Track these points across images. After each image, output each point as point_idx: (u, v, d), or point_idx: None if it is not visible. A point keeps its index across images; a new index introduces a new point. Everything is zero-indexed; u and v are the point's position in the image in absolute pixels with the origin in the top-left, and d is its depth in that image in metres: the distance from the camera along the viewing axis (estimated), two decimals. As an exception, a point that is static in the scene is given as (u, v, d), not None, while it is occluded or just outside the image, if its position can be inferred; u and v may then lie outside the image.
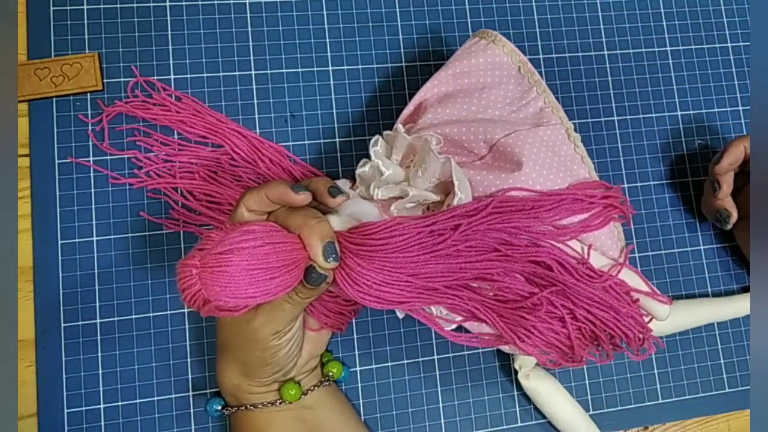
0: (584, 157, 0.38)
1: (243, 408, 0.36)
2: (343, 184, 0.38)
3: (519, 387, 0.43)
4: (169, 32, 0.44)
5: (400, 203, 0.36)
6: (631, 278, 0.36)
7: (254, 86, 0.45)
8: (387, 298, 0.33)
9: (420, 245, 0.33)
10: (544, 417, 0.43)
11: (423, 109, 0.40)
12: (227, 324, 0.35)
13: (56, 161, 0.42)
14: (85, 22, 0.44)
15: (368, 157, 0.38)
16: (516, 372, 0.41)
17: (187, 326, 0.41)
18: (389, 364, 0.43)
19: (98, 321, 0.40)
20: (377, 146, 0.38)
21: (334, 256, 0.32)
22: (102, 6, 0.44)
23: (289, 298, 0.33)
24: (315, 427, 0.37)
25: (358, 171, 0.38)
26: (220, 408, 0.37)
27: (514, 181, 0.36)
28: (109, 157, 0.42)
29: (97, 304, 0.41)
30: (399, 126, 0.39)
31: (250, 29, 0.45)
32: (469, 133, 0.37)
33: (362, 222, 0.34)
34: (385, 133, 0.39)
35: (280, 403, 0.36)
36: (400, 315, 0.39)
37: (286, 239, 0.32)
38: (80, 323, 0.40)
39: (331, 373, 0.40)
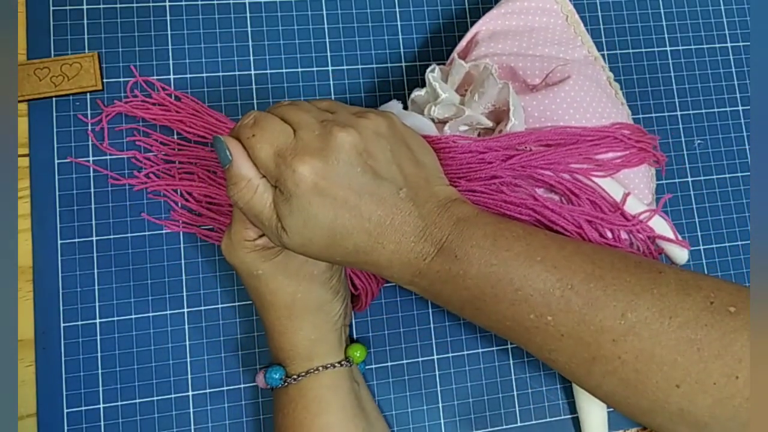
0: (624, 104, 0.41)
1: (313, 371, 0.36)
2: (395, 105, 0.39)
3: (519, 387, 0.43)
4: (169, 32, 0.44)
5: (453, 123, 0.37)
6: (661, 225, 0.38)
7: (254, 86, 0.45)
8: None
9: (468, 168, 0.35)
10: (544, 417, 0.43)
11: (474, 43, 0.42)
12: (284, 285, 0.35)
13: (56, 161, 0.42)
14: (85, 22, 0.44)
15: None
16: None
17: (186, 326, 0.41)
18: (389, 364, 0.43)
19: (98, 321, 0.40)
20: (434, 72, 0.38)
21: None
22: (102, 6, 0.44)
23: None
24: (361, 405, 0.37)
25: (412, 96, 0.40)
26: (283, 377, 0.36)
27: (554, 95, 0.38)
28: (108, 157, 0.42)
29: (97, 304, 0.41)
30: (455, 55, 0.40)
31: (249, 29, 0.45)
32: (526, 61, 0.40)
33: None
34: (439, 66, 0.39)
35: (346, 364, 0.37)
36: None
37: None
38: (80, 323, 0.40)
39: (357, 354, 0.39)
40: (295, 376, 0.36)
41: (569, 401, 0.43)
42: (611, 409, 0.43)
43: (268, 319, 0.36)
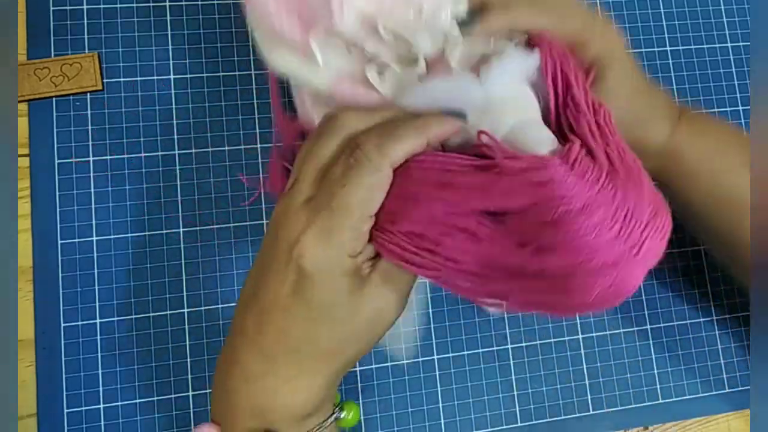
0: None
1: None
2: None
3: (519, 387, 0.43)
4: (169, 32, 0.44)
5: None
6: None
7: (254, 86, 0.45)
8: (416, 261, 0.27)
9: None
10: (544, 417, 0.43)
11: None
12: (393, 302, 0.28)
13: (56, 161, 0.42)
14: (85, 22, 0.44)
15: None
16: None
17: (186, 326, 0.41)
18: (389, 364, 0.43)
19: (98, 321, 0.40)
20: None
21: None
22: (102, 6, 0.44)
23: None
24: None
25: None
26: None
27: None
28: (108, 157, 0.42)
29: (97, 304, 0.41)
30: None
31: (249, 29, 0.45)
32: None
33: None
34: None
35: (336, 420, 0.31)
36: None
37: None
38: (80, 323, 0.40)
39: (344, 414, 0.32)
40: None
41: (569, 401, 0.44)
42: (608, 410, 0.43)
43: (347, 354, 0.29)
